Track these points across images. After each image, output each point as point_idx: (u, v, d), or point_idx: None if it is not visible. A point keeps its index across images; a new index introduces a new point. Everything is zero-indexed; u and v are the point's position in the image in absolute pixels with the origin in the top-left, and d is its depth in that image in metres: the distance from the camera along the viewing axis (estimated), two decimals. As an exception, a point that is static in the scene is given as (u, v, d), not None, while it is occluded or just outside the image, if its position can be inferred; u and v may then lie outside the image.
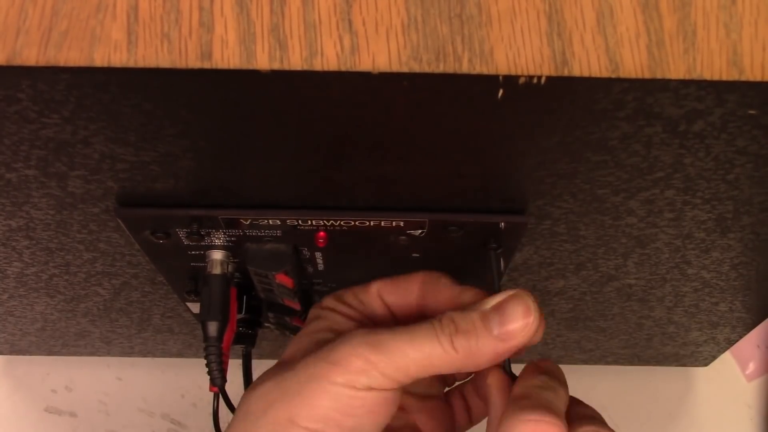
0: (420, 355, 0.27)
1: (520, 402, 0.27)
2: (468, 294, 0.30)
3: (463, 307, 0.29)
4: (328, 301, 0.33)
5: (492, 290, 0.30)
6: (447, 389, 0.35)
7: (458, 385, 0.35)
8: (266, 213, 0.30)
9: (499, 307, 0.28)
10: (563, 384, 0.29)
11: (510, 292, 0.28)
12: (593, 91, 0.22)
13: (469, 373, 0.34)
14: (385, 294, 0.32)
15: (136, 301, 0.42)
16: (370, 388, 0.27)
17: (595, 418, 0.28)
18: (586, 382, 0.58)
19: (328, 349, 0.28)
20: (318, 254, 0.34)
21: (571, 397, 0.29)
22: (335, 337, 0.29)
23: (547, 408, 0.27)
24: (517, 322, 0.27)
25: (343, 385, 0.27)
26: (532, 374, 0.29)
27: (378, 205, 0.30)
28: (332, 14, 0.21)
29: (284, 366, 0.29)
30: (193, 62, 0.21)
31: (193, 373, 0.55)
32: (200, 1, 0.21)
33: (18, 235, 0.33)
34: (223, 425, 0.37)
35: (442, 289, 0.31)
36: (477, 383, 0.34)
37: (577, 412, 0.28)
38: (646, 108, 0.23)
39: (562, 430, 0.26)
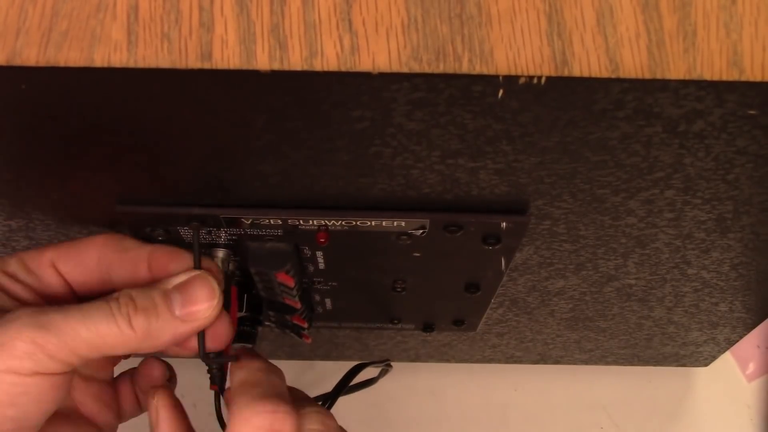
0: (93, 334, 0.25)
1: (252, 390, 0.27)
2: (160, 260, 0.28)
3: (146, 283, 0.28)
4: None
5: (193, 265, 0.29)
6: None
7: (128, 370, 0.33)
8: (267, 212, 0.30)
9: (182, 287, 0.27)
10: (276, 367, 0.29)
11: (194, 273, 0.27)
12: (593, 91, 0.22)
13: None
14: (60, 263, 0.29)
15: (137, 300, 0.42)
16: (36, 373, 0.25)
17: (307, 398, 0.28)
18: (586, 382, 0.58)
19: None
20: (319, 253, 0.34)
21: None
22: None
23: (279, 397, 0.26)
24: (201, 304, 0.27)
25: (5, 371, 0.24)
26: (249, 358, 0.29)
27: (379, 204, 0.30)
28: (332, 14, 0.21)
29: None
30: (193, 62, 0.21)
31: (193, 373, 0.55)
32: (200, 1, 0.21)
33: (18, 235, 0.33)
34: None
35: (125, 256, 0.29)
36: (145, 372, 0.33)
37: (294, 395, 0.28)
38: (646, 108, 0.23)
39: (295, 420, 0.26)
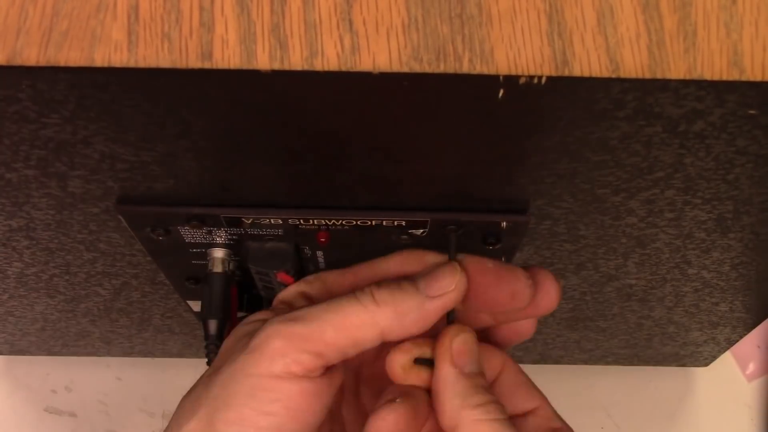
0: (338, 317, 0.25)
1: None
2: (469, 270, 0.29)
3: None
4: (289, 294, 0.30)
5: None
6: None
7: None
8: (268, 212, 0.30)
9: (426, 272, 0.28)
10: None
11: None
12: (593, 91, 0.22)
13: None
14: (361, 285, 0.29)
15: (137, 301, 0.42)
16: (290, 374, 0.25)
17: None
18: (586, 382, 0.58)
19: (248, 338, 0.26)
20: (319, 253, 0.34)
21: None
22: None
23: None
24: (443, 280, 0.27)
25: (260, 375, 0.25)
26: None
27: (379, 204, 0.30)
28: (333, 14, 0.21)
29: (215, 366, 0.28)
30: (194, 62, 0.21)
31: (193, 373, 0.55)
32: (201, 1, 0.21)
33: (18, 236, 0.33)
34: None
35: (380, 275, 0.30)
36: None
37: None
38: (647, 108, 0.23)
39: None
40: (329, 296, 0.29)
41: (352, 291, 0.27)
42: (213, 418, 0.25)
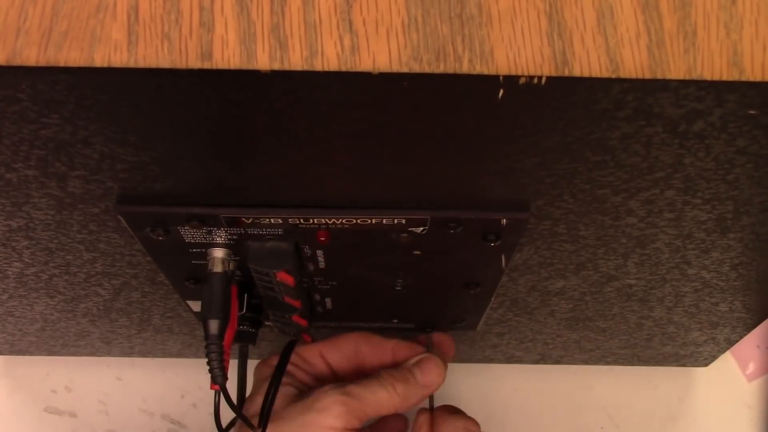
0: (375, 398, 0.39)
1: None
2: (401, 349, 0.42)
3: (394, 364, 0.42)
4: (274, 360, 0.42)
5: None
6: None
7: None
8: (267, 212, 0.30)
9: (419, 365, 0.41)
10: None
11: (424, 355, 0.42)
12: (593, 91, 0.22)
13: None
14: (326, 354, 0.43)
15: (136, 301, 0.42)
16: (345, 429, 0.37)
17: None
18: (586, 382, 0.58)
19: (313, 400, 0.38)
20: (319, 252, 0.34)
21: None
22: (298, 389, 0.41)
23: None
24: (434, 374, 0.41)
25: (326, 428, 0.37)
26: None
27: (379, 202, 0.30)
28: (332, 14, 0.21)
29: (273, 415, 0.39)
30: (194, 62, 0.21)
31: (193, 373, 0.55)
32: (200, 1, 0.21)
33: (18, 236, 0.33)
34: (223, 424, 0.37)
35: (376, 347, 0.43)
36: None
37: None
38: (646, 108, 0.23)
39: None
40: (306, 364, 0.43)
41: (373, 377, 0.40)
42: None
